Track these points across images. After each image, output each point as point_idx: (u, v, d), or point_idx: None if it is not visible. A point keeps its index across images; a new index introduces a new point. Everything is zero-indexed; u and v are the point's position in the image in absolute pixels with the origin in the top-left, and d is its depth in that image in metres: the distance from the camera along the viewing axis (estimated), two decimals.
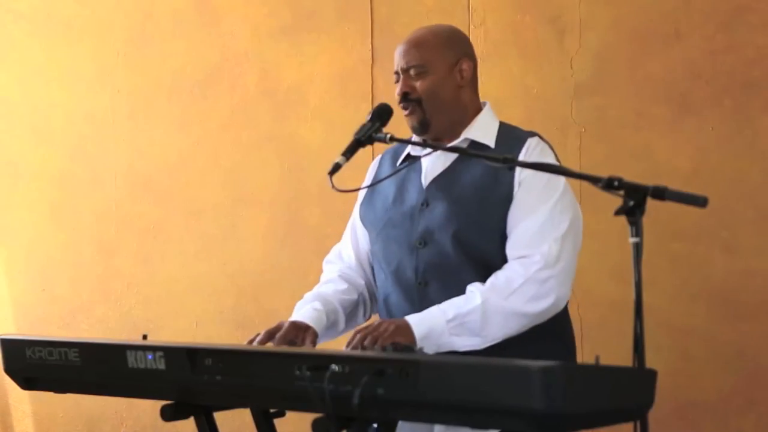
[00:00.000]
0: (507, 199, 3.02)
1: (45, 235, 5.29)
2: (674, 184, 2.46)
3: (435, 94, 3.09)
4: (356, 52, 4.72)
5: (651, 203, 2.43)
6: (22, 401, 5.33)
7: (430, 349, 2.87)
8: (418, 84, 3.09)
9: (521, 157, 3.03)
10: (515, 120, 4.37)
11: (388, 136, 2.95)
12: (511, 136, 3.12)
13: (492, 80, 4.44)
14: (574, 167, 4.22)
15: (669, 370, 3.94)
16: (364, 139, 2.96)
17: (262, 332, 2.97)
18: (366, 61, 4.71)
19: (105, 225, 5.18)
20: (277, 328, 2.98)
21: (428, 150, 3.13)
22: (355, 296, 3.28)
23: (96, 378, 2.78)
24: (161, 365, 2.63)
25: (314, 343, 2.99)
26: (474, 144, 3.11)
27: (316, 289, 3.28)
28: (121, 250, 5.15)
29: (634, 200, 2.41)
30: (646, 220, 2.43)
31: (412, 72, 3.10)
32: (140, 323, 5.04)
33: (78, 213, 5.23)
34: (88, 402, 5.09)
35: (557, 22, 4.40)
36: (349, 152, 2.96)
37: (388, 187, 3.23)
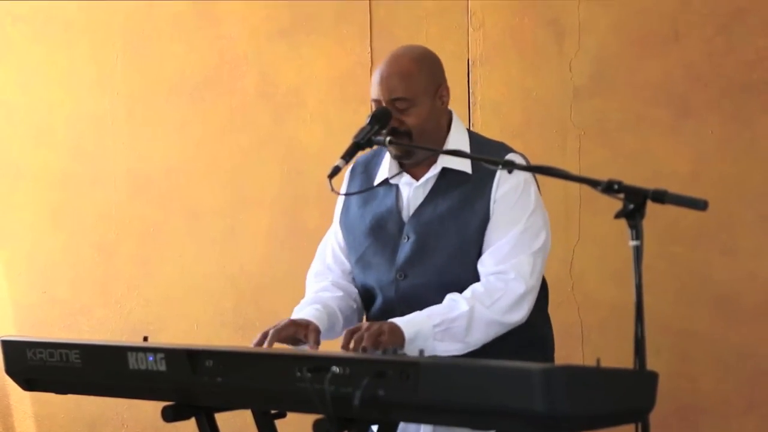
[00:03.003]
0: (484, 223, 3.08)
1: (45, 237, 5.29)
2: (674, 187, 2.47)
3: (422, 127, 3.08)
4: (355, 55, 4.72)
5: (651, 206, 2.44)
6: (23, 402, 5.33)
7: (412, 352, 2.89)
8: (405, 118, 3.07)
9: (494, 186, 3.08)
10: (514, 124, 4.40)
11: (388, 139, 2.95)
12: (484, 156, 3.10)
13: (491, 83, 4.45)
14: (574, 170, 4.20)
15: (669, 373, 3.93)
16: (363, 142, 2.96)
17: (260, 334, 2.97)
18: (365, 64, 4.71)
19: (105, 227, 5.17)
20: (276, 326, 2.98)
21: (406, 177, 3.16)
22: (352, 303, 3.29)
23: (97, 379, 2.79)
24: (162, 367, 2.64)
25: (317, 341, 2.98)
26: (450, 173, 3.13)
27: (312, 295, 3.28)
28: (122, 252, 5.15)
29: (634, 203, 2.42)
30: (646, 223, 2.43)
31: (398, 105, 3.07)
32: (141, 325, 5.03)
33: (78, 215, 5.22)
34: (89, 403, 5.08)
35: (556, 25, 4.40)
36: (349, 155, 2.96)
37: (365, 210, 3.24)
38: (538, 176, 3.20)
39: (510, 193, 3.08)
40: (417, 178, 3.16)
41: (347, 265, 3.31)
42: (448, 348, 2.95)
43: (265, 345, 2.92)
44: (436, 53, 3.23)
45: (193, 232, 5.02)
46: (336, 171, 2.93)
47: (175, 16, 5.06)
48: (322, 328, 3.06)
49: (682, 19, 4.24)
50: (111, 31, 5.17)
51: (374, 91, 3.10)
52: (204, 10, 5.00)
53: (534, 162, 3.11)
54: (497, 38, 4.49)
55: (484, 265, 3.06)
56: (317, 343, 2.97)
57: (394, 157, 3.16)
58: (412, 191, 3.15)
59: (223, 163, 4.97)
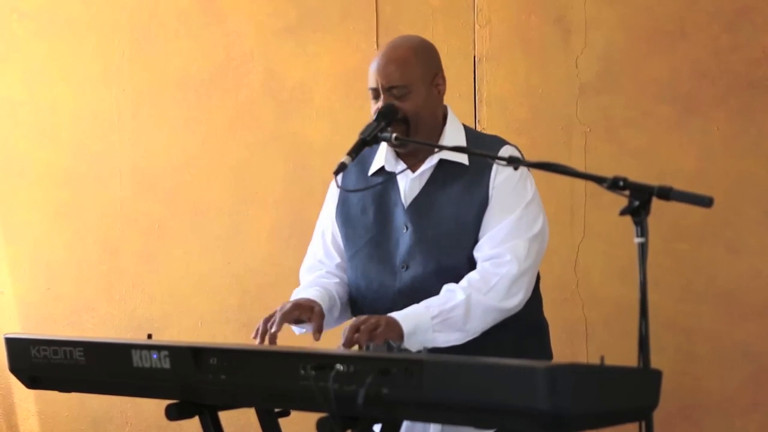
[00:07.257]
0: (482, 210, 3.09)
1: (50, 234, 5.29)
2: (679, 184, 2.47)
3: (418, 113, 3.09)
4: (361, 51, 4.71)
5: (656, 203, 2.43)
6: (26, 400, 5.34)
7: (413, 345, 2.91)
8: (402, 104, 3.08)
9: (492, 175, 3.09)
10: (520, 120, 4.40)
11: (393, 135, 2.95)
12: (481, 149, 3.12)
13: (497, 80, 4.44)
14: (579, 167, 4.20)
15: (674, 371, 3.94)
16: (369, 138, 2.96)
17: (262, 321, 2.97)
18: (371, 60, 4.69)
19: (110, 224, 5.18)
20: (282, 308, 2.97)
21: (403, 167, 3.15)
22: (348, 290, 3.29)
23: (101, 377, 2.78)
24: (166, 364, 2.63)
25: (320, 328, 2.96)
26: (447, 164, 3.13)
27: (311, 279, 3.28)
28: (126, 249, 5.15)
29: (639, 200, 2.41)
30: (651, 220, 2.43)
31: (395, 92, 3.09)
32: (145, 322, 5.04)
33: (83, 212, 5.23)
34: (93, 401, 5.09)
35: (563, 22, 4.40)
36: (355, 152, 2.96)
37: (365, 201, 3.23)
38: (544, 172, 3.19)
39: (508, 180, 3.08)
40: (414, 170, 3.16)
41: (339, 260, 3.31)
42: (447, 338, 2.96)
43: (274, 328, 2.91)
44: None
45: (198, 229, 5.02)
46: (342, 167, 2.93)
47: (181, 12, 5.06)
48: (324, 308, 3.05)
49: (689, 17, 4.24)
50: (116, 28, 5.17)
51: (371, 79, 3.15)
52: (210, 6, 5.01)
53: (539, 159, 3.09)
54: (503, 35, 4.48)
55: (480, 250, 3.06)
56: (319, 330, 2.96)
57: (390, 144, 3.14)
58: (408, 182, 3.16)
59: (229, 159, 4.97)
